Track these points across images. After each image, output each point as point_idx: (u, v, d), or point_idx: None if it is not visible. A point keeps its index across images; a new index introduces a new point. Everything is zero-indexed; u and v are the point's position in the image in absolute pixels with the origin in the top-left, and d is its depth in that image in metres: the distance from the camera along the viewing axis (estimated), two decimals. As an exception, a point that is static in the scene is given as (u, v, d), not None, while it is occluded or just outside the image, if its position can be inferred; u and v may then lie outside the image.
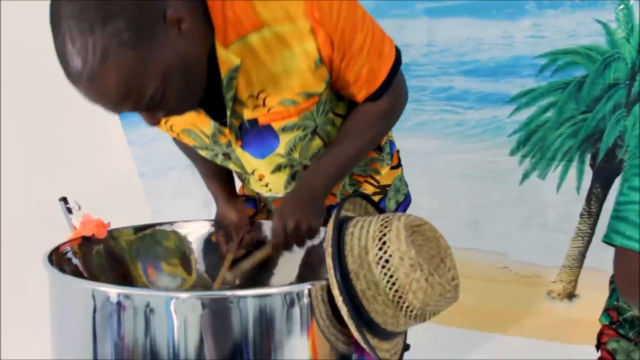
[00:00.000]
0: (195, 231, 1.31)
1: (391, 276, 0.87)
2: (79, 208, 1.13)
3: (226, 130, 1.08)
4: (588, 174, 2.02)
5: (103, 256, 1.17)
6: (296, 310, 0.89)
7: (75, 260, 1.11)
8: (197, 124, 1.10)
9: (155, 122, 0.97)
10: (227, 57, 0.98)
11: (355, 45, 1.03)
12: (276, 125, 1.08)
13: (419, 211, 2.27)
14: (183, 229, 1.31)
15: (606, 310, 1.34)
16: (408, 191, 1.40)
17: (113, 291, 0.88)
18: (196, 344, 0.84)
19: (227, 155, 1.16)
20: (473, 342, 2.30)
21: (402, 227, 0.87)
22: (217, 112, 1.06)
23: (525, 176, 2.12)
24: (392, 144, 1.35)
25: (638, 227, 1.06)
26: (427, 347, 1.99)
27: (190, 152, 1.28)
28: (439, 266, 0.93)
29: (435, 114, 2.14)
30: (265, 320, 0.87)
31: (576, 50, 1.90)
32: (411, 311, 0.89)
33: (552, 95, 1.99)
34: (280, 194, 1.23)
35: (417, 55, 2.06)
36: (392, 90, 1.11)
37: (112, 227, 1.20)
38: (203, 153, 1.19)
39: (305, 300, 0.89)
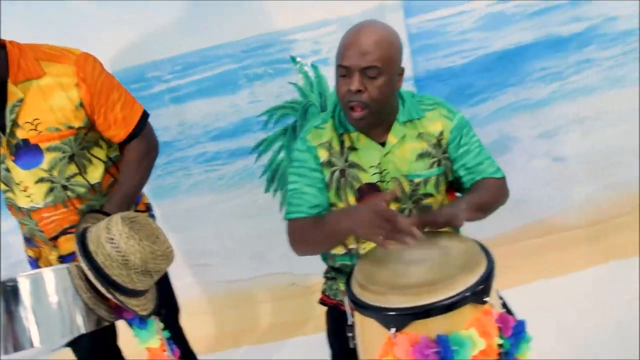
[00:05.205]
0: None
1: (117, 247, 1.33)
2: None
3: (5, 142, 1.55)
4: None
5: None
6: (67, 284, 1.32)
7: None
8: None
9: None
10: (15, 92, 1.50)
11: (111, 98, 1.58)
12: (43, 145, 1.56)
13: (212, 256, 2.75)
14: None
15: (326, 269, 1.88)
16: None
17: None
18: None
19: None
20: (274, 349, 2.68)
21: (119, 218, 1.36)
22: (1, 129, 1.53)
23: (282, 204, 2.60)
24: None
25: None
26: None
27: None
28: (155, 241, 1.40)
29: (201, 174, 2.57)
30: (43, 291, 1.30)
31: (283, 106, 2.48)
32: (137, 269, 1.34)
33: (279, 140, 2.53)
34: (40, 205, 1.63)
35: (174, 134, 2.50)
36: (144, 134, 1.67)
37: None
38: None
39: (68, 277, 1.32)
